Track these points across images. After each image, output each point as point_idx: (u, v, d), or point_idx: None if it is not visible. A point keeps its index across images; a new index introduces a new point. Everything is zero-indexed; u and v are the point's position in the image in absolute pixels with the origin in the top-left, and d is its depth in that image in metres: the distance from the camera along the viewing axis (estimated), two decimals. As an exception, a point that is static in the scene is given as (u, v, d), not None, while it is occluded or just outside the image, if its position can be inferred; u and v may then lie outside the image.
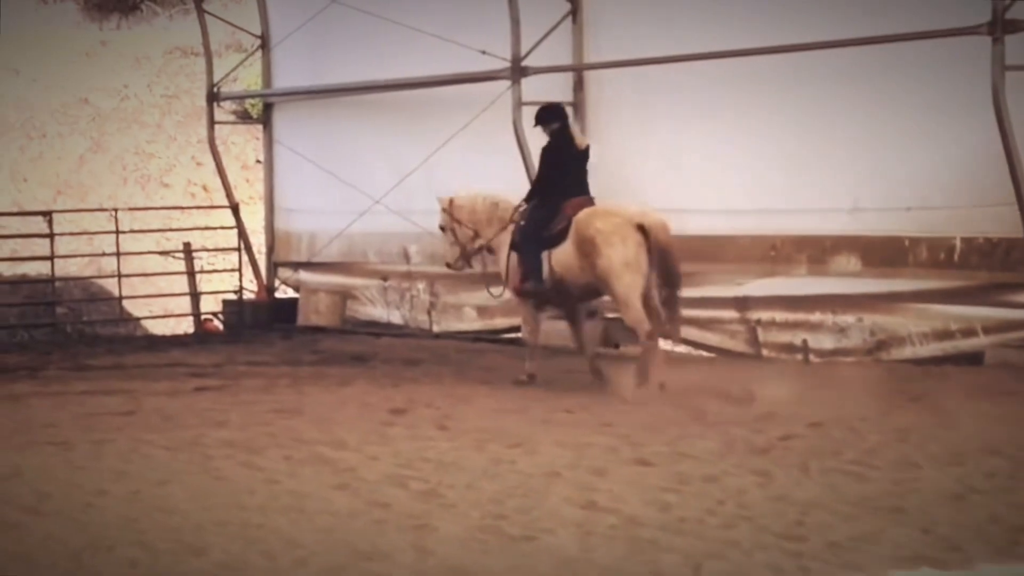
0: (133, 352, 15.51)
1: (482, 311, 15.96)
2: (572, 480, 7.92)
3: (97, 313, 21.51)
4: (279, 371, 13.63)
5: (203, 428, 10.04)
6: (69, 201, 24.54)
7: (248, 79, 23.28)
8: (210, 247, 20.54)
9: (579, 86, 15.13)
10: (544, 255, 11.96)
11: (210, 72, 18.97)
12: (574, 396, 11.32)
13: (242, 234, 18.99)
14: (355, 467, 8.48)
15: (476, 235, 12.64)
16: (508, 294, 12.65)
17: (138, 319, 20.96)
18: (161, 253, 21.32)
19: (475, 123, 15.38)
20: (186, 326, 19.32)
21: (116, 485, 8.09)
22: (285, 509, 7.39)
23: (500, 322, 15.85)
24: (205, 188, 26.33)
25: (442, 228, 12.94)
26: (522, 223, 12.25)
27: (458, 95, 15.93)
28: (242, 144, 26.57)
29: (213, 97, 19.01)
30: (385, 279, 17.23)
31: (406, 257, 16.99)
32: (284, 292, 19.05)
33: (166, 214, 22.45)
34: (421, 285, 16.75)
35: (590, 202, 12.04)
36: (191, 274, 19.29)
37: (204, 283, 19.65)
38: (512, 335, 15.19)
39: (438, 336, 16.30)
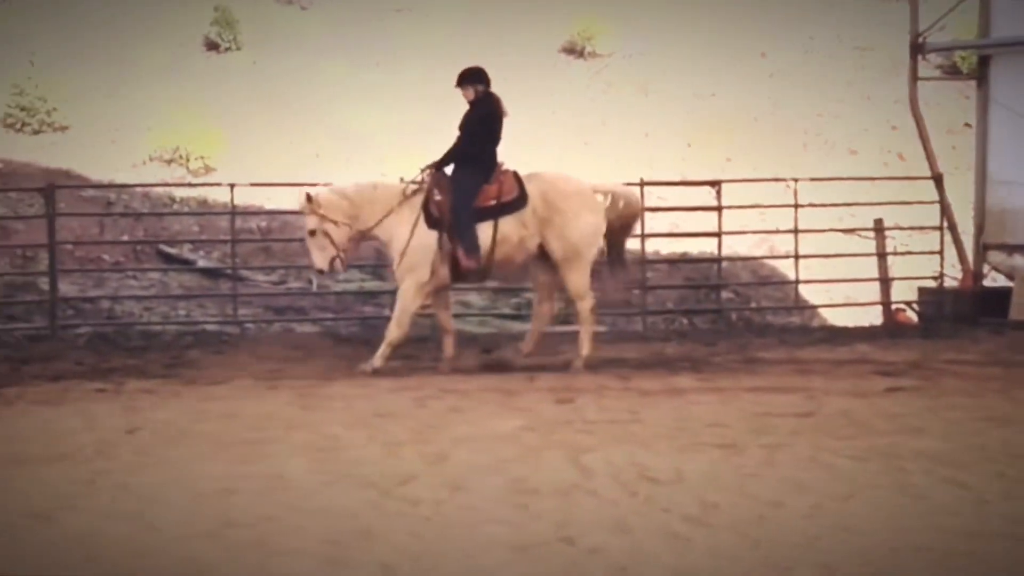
0: (810, 344, 15.61)
1: None
2: None
3: (768, 299, 21.90)
4: (987, 373, 13.32)
5: (896, 436, 9.91)
6: (740, 169, 25.10)
7: (960, 27, 22.80)
8: (905, 225, 20.33)
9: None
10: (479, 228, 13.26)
11: (914, 20, 18.85)
12: None
13: (945, 210, 18.68)
14: None
15: (352, 228, 13.35)
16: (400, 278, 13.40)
17: (815, 307, 21.13)
18: (845, 231, 21.35)
19: None
20: (873, 317, 19.22)
21: (793, 497, 8.10)
22: (996, 535, 7.20)
23: None
24: (901, 156, 26.23)
25: (312, 232, 13.25)
26: (451, 195, 13.23)
27: None
28: (949, 105, 26.18)
29: (917, 49, 18.86)
30: None
31: None
32: (994, 280, 18.60)
33: (853, 186, 22.41)
34: None
35: (513, 172, 13.47)
36: (881, 256, 19.16)
37: (896, 267, 19.43)
38: None
39: None
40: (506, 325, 18.52)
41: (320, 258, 13.40)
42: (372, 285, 20.77)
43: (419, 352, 14.75)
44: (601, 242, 13.72)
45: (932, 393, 12.02)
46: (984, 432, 10.08)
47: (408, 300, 13.47)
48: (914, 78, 18.85)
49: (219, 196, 21.94)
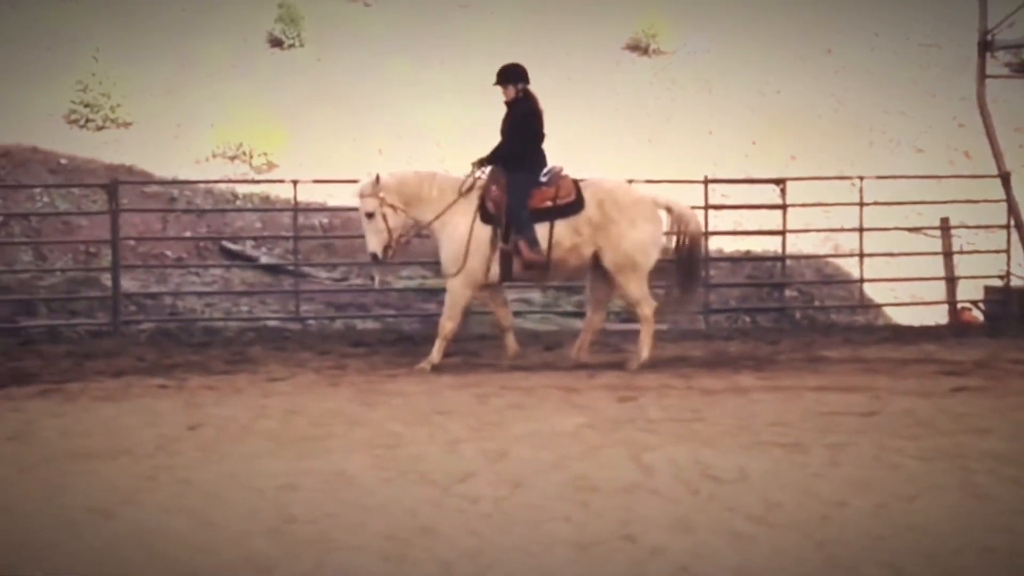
0: (875, 343, 15.52)
1: None
2: None
3: (832, 297, 21.79)
4: (1054, 373, 13.16)
5: (962, 436, 9.82)
6: (805, 167, 24.99)
7: (1030, 24, 22.63)
8: (971, 224, 20.15)
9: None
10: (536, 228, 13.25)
11: (983, 16, 18.66)
12: None
13: (1012, 209, 18.50)
14: None
15: (407, 216, 13.37)
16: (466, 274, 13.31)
17: (880, 306, 21.01)
18: (911, 230, 21.20)
19: None
20: (939, 316, 19.08)
21: (858, 497, 8.04)
22: (1063, 538, 7.10)
23: None
24: (967, 154, 26.01)
25: (369, 215, 13.15)
26: (507, 192, 13.18)
27: None
28: (1016, 102, 25.95)
29: (986, 46, 18.67)
30: None
31: None
32: (1063, 279, 18.39)
33: (919, 184, 22.27)
34: None
35: (573, 179, 13.44)
36: (947, 255, 19.03)
37: (962, 266, 19.27)
38: None
39: None
40: (568, 322, 18.48)
41: (375, 241, 13.36)
42: (434, 282, 20.80)
43: (481, 349, 14.76)
44: (659, 254, 13.66)
45: (998, 393, 11.91)
46: (1052, 433, 9.99)
47: (458, 293, 13.47)
48: (982, 75, 18.67)
49: (281, 192, 22.09)
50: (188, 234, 22.77)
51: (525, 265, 13.39)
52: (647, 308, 13.55)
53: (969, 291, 19.01)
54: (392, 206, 13.34)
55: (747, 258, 21.18)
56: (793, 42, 30.18)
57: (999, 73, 23.28)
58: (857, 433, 10.00)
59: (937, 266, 19.14)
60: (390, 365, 13.74)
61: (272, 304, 19.68)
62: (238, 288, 20.51)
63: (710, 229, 17.39)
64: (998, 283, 18.62)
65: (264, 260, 22.03)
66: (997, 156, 18.58)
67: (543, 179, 13.38)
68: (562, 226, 13.31)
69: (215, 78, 29.14)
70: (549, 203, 13.32)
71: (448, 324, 13.52)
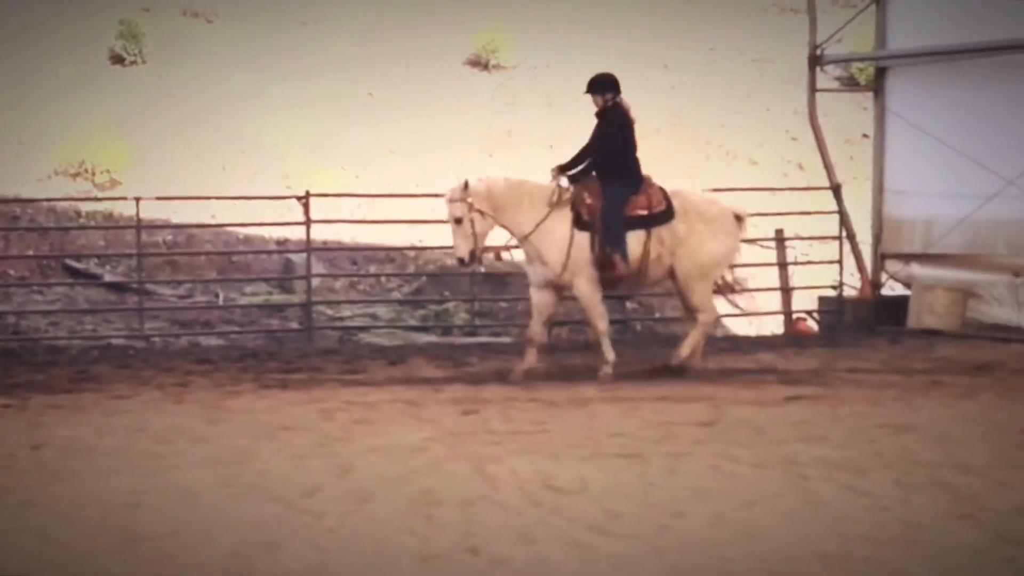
0: (715, 354, 15.67)
1: None
2: None
3: (672, 309, 21.97)
4: (886, 380, 13.45)
5: (797, 444, 9.99)
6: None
7: (856, 39, 23.05)
8: (805, 235, 20.46)
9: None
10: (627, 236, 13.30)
11: (813, 32, 18.94)
12: None
13: (844, 220, 18.81)
14: (979, 494, 8.33)
15: (497, 223, 13.34)
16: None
17: (718, 316, 21.22)
18: (747, 241, 21.45)
19: None
20: (775, 326, 19.36)
21: (696, 505, 8.15)
22: (893, 540, 7.29)
23: None
24: (800, 167, 26.45)
25: (457, 220, 13.10)
26: (601, 201, 13.21)
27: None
28: (847, 116, 26.43)
29: (815, 61, 18.98)
30: (1017, 275, 16.70)
31: (1045, 250, 16.42)
32: (892, 289, 18.74)
33: (754, 196, 22.55)
34: (1062, 283, 16.12)
35: (660, 187, 13.57)
36: (782, 266, 19.29)
37: (797, 277, 19.58)
38: None
39: (1083, 343, 15.72)
40: (412, 337, 18.49)
41: (463, 247, 13.24)
42: (278, 299, 20.68)
43: (325, 364, 14.71)
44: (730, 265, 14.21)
45: (832, 401, 12.12)
46: (882, 439, 10.19)
47: (587, 292, 13.57)
48: (813, 89, 18.98)
49: (125, 210, 21.76)
50: (31, 252, 22.35)
51: (611, 280, 13.52)
52: (708, 316, 13.91)
53: (804, 301, 19.31)
54: (480, 212, 13.24)
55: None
56: (631, 57, 30.35)
57: (829, 87, 23.69)
58: (695, 443, 10.14)
59: (772, 277, 19.41)
60: (234, 382, 13.62)
61: (116, 322, 19.38)
62: (82, 306, 20.15)
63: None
64: (832, 293, 18.95)
65: (108, 278, 21.70)
66: (828, 168, 18.91)
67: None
68: (654, 234, 13.44)
69: (57, 96, 28.63)
70: (644, 211, 13.43)
71: (600, 323, 13.72)
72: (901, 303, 18.03)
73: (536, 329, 13.81)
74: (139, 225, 18.29)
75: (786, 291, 19.24)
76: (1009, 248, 16.89)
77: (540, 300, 13.75)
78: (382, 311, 20.15)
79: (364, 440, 10.25)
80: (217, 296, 20.59)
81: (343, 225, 19.87)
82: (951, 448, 9.76)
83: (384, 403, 12.10)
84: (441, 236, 19.94)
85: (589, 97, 13.84)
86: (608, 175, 13.46)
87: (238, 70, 30.10)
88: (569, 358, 15.28)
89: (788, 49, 27.98)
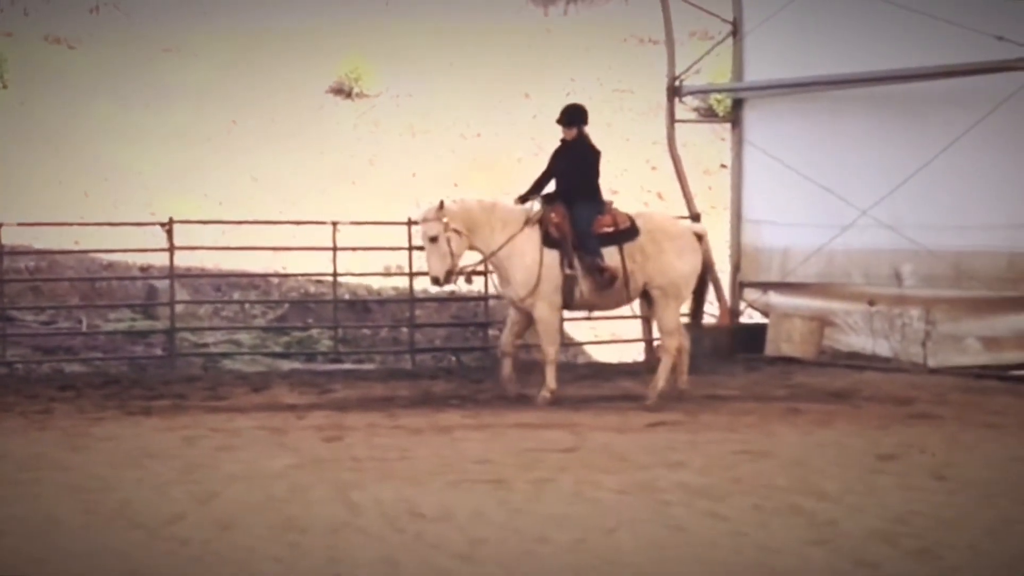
0: (575, 381, 15.73)
1: (989, 343, 15.72)
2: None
3: (534, 336, 22.02)
4: (744, 407, 13.62)
5: (658, 469, 10.07)
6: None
7: (714, 71, 23.36)
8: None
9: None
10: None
11: (671, 63, 19.09)
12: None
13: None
14: (836, 520, 8.43)
15: (470, 244, 13.55)
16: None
17: (581, 344, 21.31)
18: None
19: (987, 121, 15.17)
20: (636, 353, 19.47)
21: (559, 531, 8.17)
22: (752, 566, 7.36)
23: (1010, 356, 15.63)
24: (660, 196, 26.68)
25: (433, 239, 13.30)
26: (570, 219, 13.50)
27: (964, 88, 15.65)
28: (705, 146, 26.75)
29: (674, 92, 19.13)
30: (872, 304, 16.96)
31: (898, 278, 16.71)
32: (750, 317, 18.95)
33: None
34: (915, 311, 16.44)
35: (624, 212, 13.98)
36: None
37: (657, 304, 19.68)
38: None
39: (934, 371, 16.06)
40: (275, 364, 18.35)
41: (439, 266, 13.31)
42: (142, 325, 20.41)
43: (188, 391, 14.55)
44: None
45: (692, 427, 12.25)
46: (741, 465, 10.30)
47: (547, 318, 13.80)
48: (671, 120, 19.13)
49: (-14, 236, 21.35)
50: None
51: (601, 284, 13.66)
52: (676, 340, 14.05)
53: (663, 328, 19.41)
54: (456, 231, 13.31)
55: (452, 298, 21.30)
56: (493, 86, 30.53)
57: (688, 118, 23.96)
58: (558, 469, 10.16)
59: (634, 305, 19.49)
60: (98, 408, 13.42)
61: (-24, 349, 19.00)
62: (-60, 333, 19.74)
63: (414, 270, 17.46)
64: (690, 320, 19.07)
65: (-33, 304, 21.26)
66: (688, 198, 19.07)
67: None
68: (626, 250, 13.67)
69: (-86, 120, 28.12)
70: (611, 228, 13.66)
71: (550, 349, 13.85)
72: (759, 331, 18.25)
73: (506, 340, 14.17)
74: (0, 251, 17.96)
75: (647, 319, 19.32)
76: (864, 277, 17.15)
77: (514, 315, 14.11)
78: (246, 338, 19.97)
79: (228, 467, 10.16)
80: (80, 322, 20.26)
81: (207, 252, 19.64)
82: (808, 474, 9.87)
83: (248, 430, 12.01)
84: (304, 263, 19.98)
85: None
86: (574, 199, 13.76)
87: (101, 96, 29.74)
88: (433, 385, 15.28)
89: (647, 80, 28.29)
